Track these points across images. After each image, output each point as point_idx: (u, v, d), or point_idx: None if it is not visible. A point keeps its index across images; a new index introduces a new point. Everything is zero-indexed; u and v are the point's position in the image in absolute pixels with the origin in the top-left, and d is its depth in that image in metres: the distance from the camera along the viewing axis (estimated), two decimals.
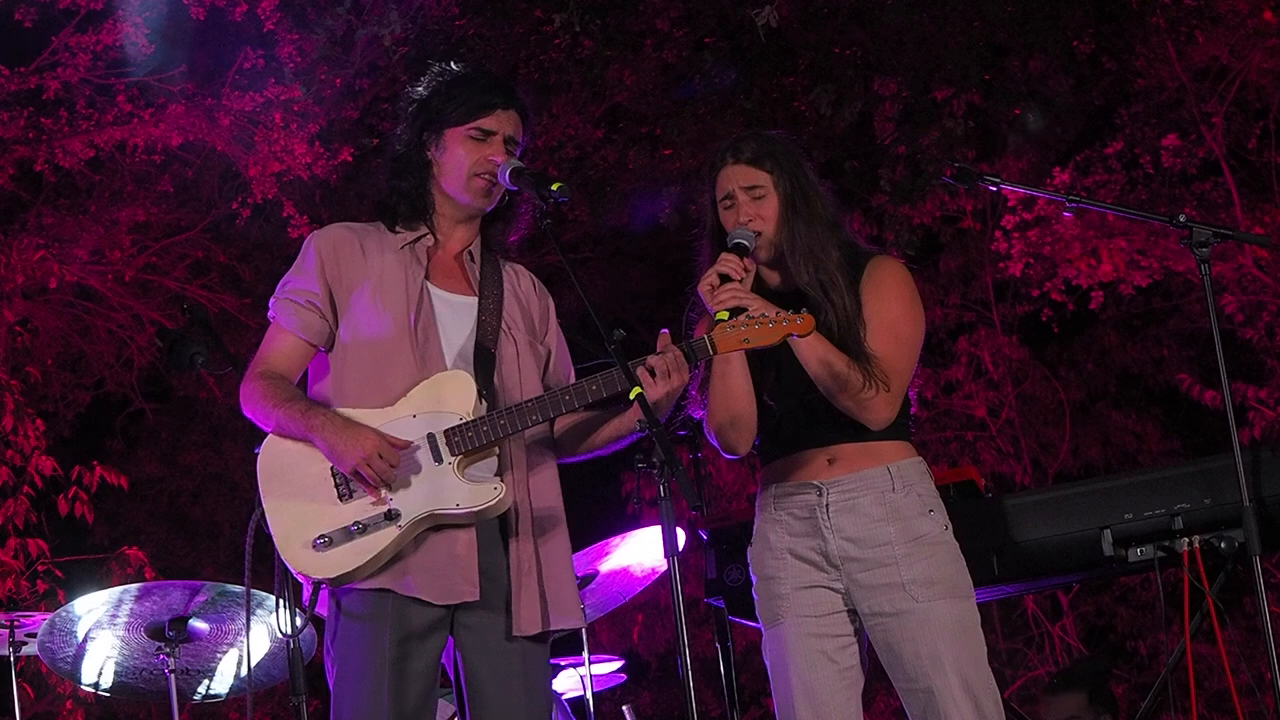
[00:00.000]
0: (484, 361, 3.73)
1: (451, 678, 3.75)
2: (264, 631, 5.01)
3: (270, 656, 5.16)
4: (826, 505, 3.86)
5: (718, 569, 5.08)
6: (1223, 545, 4.61)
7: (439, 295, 3.79)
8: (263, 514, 3.62)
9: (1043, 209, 11.03)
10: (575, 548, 3.90)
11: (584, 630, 5.31)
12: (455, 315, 3.79)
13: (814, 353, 3.79)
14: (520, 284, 3.95)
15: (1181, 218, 4.25)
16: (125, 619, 5.07)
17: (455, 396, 3.65)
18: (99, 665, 5.21)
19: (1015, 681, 12.43)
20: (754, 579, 3.98)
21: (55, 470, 9.58)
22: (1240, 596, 7.90)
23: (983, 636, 3.87)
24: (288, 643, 3.59)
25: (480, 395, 3.66)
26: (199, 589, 5.08)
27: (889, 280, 3.94)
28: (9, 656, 5.36)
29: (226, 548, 12.92)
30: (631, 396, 3.44)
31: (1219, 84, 11.26)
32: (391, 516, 3.58)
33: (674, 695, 12.88)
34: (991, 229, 12.05)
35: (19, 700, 5.62)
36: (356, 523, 3.57)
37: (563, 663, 5.87)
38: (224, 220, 10.95)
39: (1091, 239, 11.17)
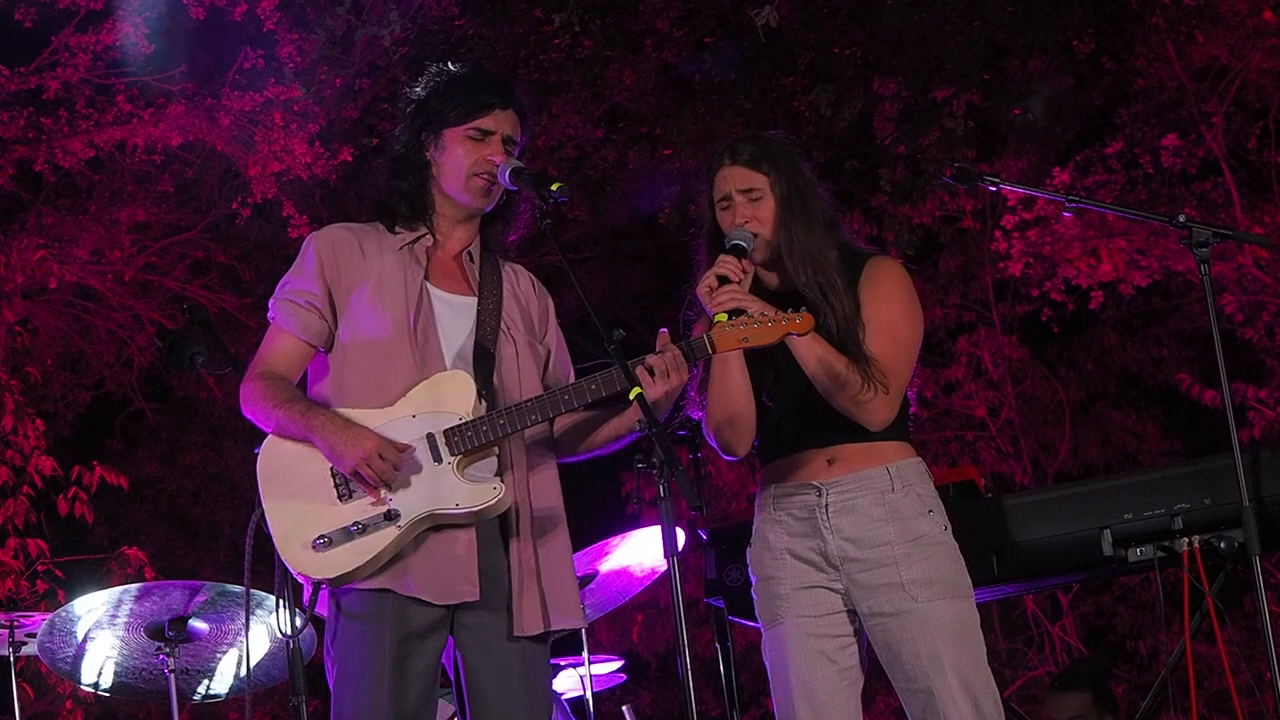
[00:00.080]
0: (483, 361, 3.73)
1: (451, 678, 3.75)
2: (264, 631, 5.00)
3: (270, 656, 5.15)
4: (826, 506, 3.86)
5: (717, 569, 5.07)
6: (1222, 545, 4.60)
7: (438, 295, 3.79)
8: (262, 514, 3.62)
9: (1042, 209, 11.03)
10: (575, 548, 3.89)
11: (584, 630, 5.30)
12: (454, 315, 3.78)
13: (812, 353, 3.79)
14: (519, 284, 3.94)
15: (1181, 218, 4.25)
16: (125, 619, 5.07)
17: (455, 396, 3.65)
18: (99, 665, 5.21)
19: (1015, 681, 12.42)
20: (753, 579, 3.98)
21: (55, 470, 9.57)
22: (1240, 596, 7.88)
23: (982, 637, 3.87)
24: (287, 643, 3.59)
25: (480, 395, 3.66)
26: (199, 589, 5.08)
27: (887, 281, 3.94)
28: (9, 656, 5.36)
29: (226, 548, 12.92)
30: (631, 396, 3.44)
31: (1219, 84, 11.26)
32: (391, 517, 3.58)
33: (674, 695, 12.87)
34: (991, 229, 12.04)
35: (19, 700, 5.62)
36: (356, 523, 3.57)
37: (563, 663, 5.87)
38: (224, 220, 10.95)
39: (1091, 239, 11.17)
